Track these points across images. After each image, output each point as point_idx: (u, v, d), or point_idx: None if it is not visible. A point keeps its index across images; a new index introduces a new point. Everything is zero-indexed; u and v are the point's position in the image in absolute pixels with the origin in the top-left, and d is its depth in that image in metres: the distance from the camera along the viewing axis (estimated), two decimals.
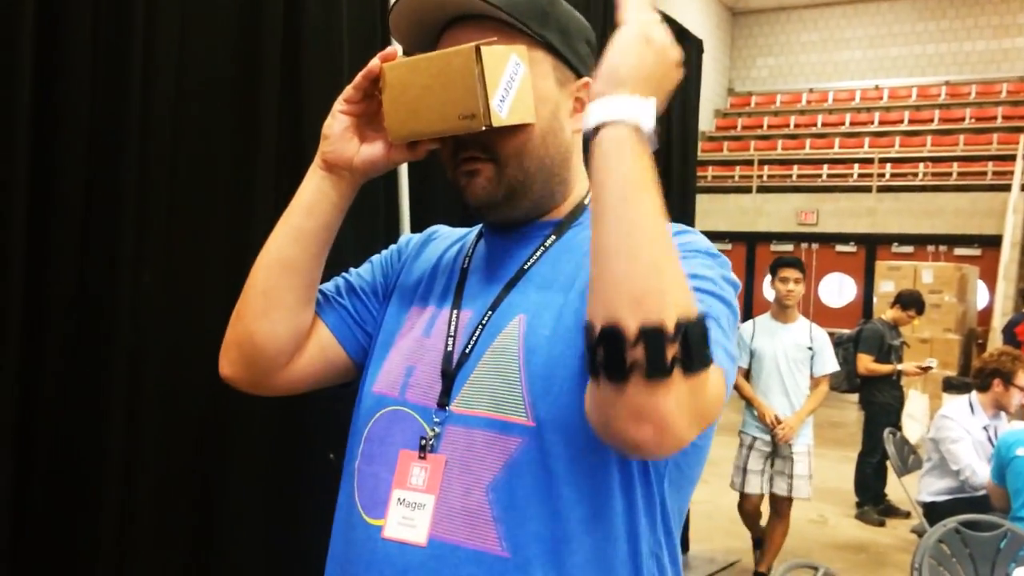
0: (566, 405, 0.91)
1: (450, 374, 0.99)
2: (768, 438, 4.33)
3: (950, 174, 13.07)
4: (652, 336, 0.74)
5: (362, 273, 1.17)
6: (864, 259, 13.00)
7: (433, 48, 1.02)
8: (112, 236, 1.94)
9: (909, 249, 12.63)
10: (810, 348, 4.40)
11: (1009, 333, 7.23)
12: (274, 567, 2.32)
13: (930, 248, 12.57)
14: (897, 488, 5.01)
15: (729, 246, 13.47)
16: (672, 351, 0.74)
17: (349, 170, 1.04)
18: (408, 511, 0.94)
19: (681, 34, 4.62)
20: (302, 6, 2.37)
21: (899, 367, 5.84)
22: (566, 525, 0.91)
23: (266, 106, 2.28)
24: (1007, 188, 11.84)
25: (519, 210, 1.03)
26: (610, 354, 0.76)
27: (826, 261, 13.33)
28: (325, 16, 2.43)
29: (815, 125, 15.23)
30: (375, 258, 1.20)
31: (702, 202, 5.69)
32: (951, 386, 8.36)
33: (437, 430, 0.96)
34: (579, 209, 1.07)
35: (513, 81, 0.95)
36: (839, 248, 13.24)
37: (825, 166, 14.00)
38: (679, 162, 4.58)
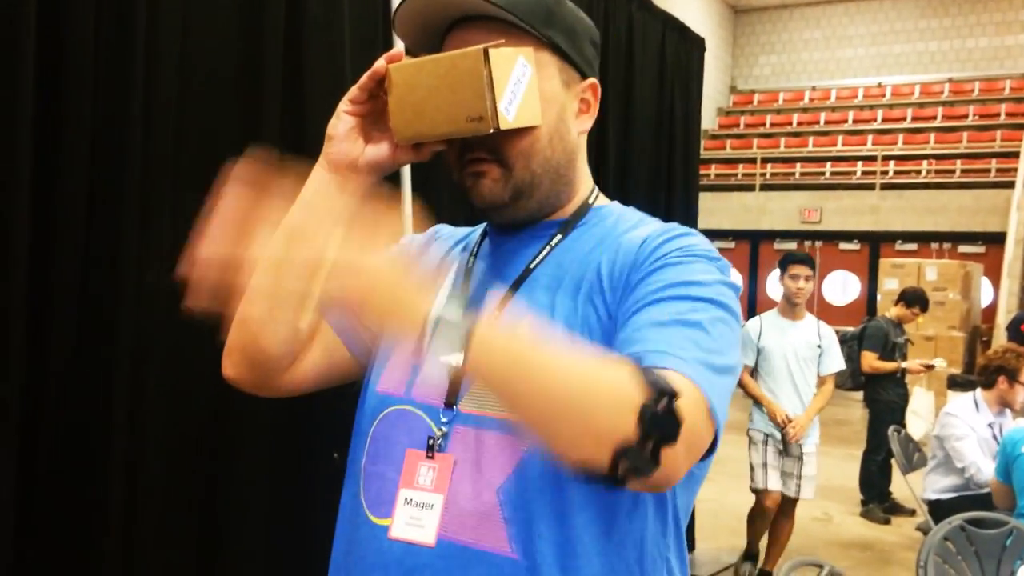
0: None
1: (457, 374, 0.98)
2: (779, 435, 4.27)
3: (954, 171, 13.05)
4: (626, 454, 0.74)
5: None
6: (868, 257, 12.98)
7: (438, 49, 1.01)
8: (115, 236, 1.94)
9: (913, 247, 12.61)
10: (819, 346, 4.35)
11: (1014, 330, 7.21)
12: (278, 567, 2.32)
13: (934, 245, 12.55)
14: (902, 486, 5.01)
15: (732, 244, 13.46)
16: (650, 445, 0.74)
17: (354, 171, 1.03)
18: (416, 511, 0.94)
19: (683, 32, 4.62)
20: (304, 6, 2.37)
21: (903, 365, 5.83)
22: (575, 527, 0.91)
23: (268, 106, 2.28)
24: (1011, 185, 11.81)
25: (525, 211, 1.03)
26: (595, 481, 0.78)
27: (830, 259, 13.32)
28: (327, 16, 2.43)
29: (818, 123, 15.21)
30: None
31: (705, 200, 5.69)
32: (955, 383, 8.34)
33: (444, 429, 0.96)
34: (584, 209, 1.07)
35: (520, 83, 0.95)
36: (843, 246, 13.23)
37: (828, 164, 13.98)
38: (682, 160, 4.58)
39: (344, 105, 1.03)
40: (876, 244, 12.89)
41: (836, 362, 4.42)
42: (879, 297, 10.68)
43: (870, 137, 14.33)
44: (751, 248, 13.64)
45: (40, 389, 1.83)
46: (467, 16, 1.00)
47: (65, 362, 1.88)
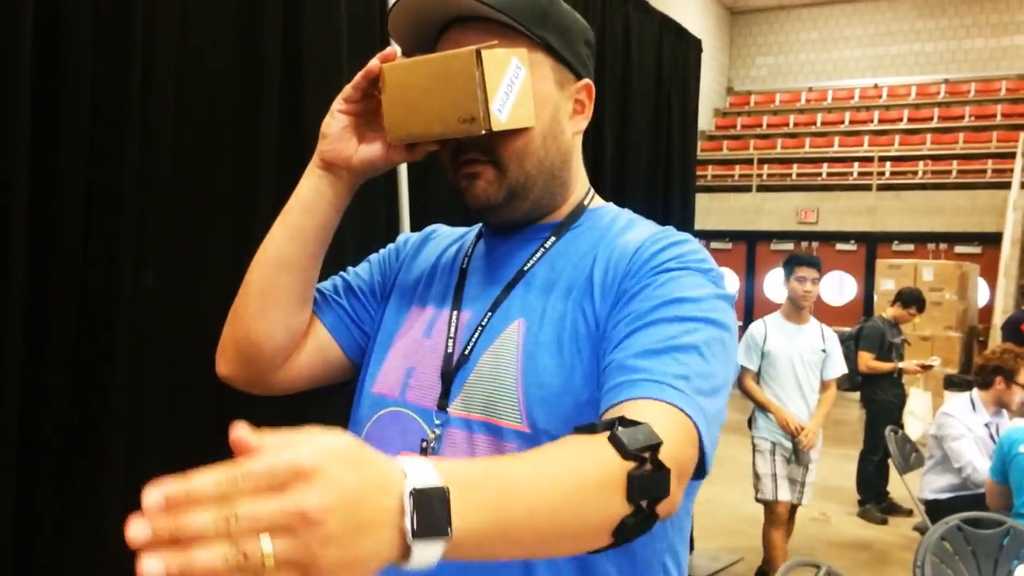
0: (562, 413, 0.91)
1: (449, 376, 0.98)
2: (788, 444, 4.15)
3: (950, 172, 13.07)
4: (624, 528, 0.73)
5: (360, 273, 1.17)
6: (864, 257, 12.99)
7: (431, 49, 1.01)
8: (113, 237, 1.94)
9: (909, 247, 12.62)
10: (823, 350, 4.25)
11: (1009, 330, 7.21)
12: None
13: (930, 246, 12.57)
14: (899, 486, 5.01)
15: (729, 245, 13.47)
16: (645, 509, 0.74)
17: (347, 169, 1.03)
18: None
19: (680, 34, 4.62)
20: (302, 6, 2.37)
21: (900, 365, 5.83)
22: None
23: (266, 106, 2.28)
24: (1007, 186, 11.83)
25: (519, 212, 1.03)
26: (604, 551, 0.77)
27: (826, 260, 13.23)
28: (325, 15, 2.43)
29: (814, 124, 15.23)
30: (373, 257, 1.19)
31: (702, 201, 5.69)
32: (952, 384, 8.36)
33: (438, 432, 0.96)
34: (579, 211, 1.07)
35: (513, 84, 0.95)
36: (839, 246, 13.24)
37: (825, 165, 13.99)
38: (679, 162, 4.58)
39: (338, 104, 1.03)
40: (873, 245, 12.91)
41: (840, 366, 4.34)
42: (876, 297, 10.69)
43: (866, 138, 14.35)
44: (748, 249, 13.64)
45: (39, 389, 1.83)
46: (461, 17, 1.00)
47: (64, 362, 1.87)
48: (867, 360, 5.76)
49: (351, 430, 1.08)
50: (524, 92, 0.96)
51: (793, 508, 4.29)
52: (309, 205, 1.04)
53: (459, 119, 0.93)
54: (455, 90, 0.92)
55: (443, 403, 0.97)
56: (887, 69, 15.32)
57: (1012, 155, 12.29)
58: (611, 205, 1.11)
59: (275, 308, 1.04)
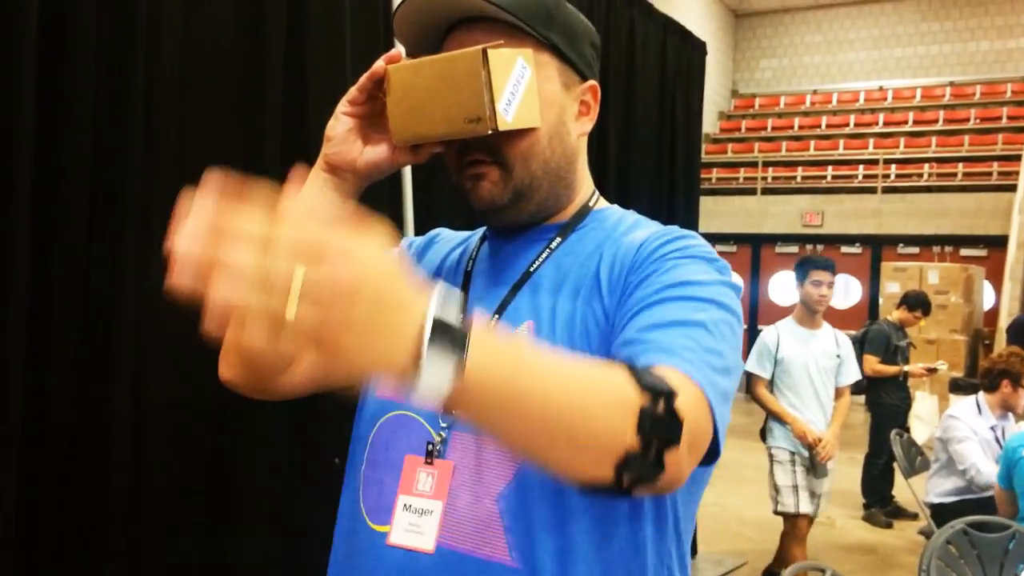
0: None
1: None
2: (806, 453, 4.01)
3: (955, 175, 13.03)
4: (630, 464, 0.72)
5: None
6: (870, 260, 12.95)
7: (437, 51, 1.00)
8: (116, 238, 1.94)
9: (915, 250, 12.59)
10: (838, 355, 4.13)
11: (1014, 332, 7.18)
12: (279, 573, 2.31)
13: (936, 249, 12.53)
14: (904, 490, 5.00)
15: (734, 248, 13.45)
16: (652, 451, 0.72)
17: (352, 172, 1.02)
18: (415, 517, 0.93)
19: (684, 36, 4.62)
20: (305, 7, 2.37)
21: (905, 368, 5.81)
22: (575, 534, 0.90)
23: (270, 109, 2.29)
24: (1012, 188, 11.80)
25: (524, 213, 1.02)
26: (602, 494, 0.75)
27: None
28: (328, 17, 2.43)
29: (819, 126, 15.20)
30: None
31: (706, 204, 5.68)
32: (958, 387, 8.34)
33: (444, 435, 0.95)
34: (584, 212, 1.06)
35: (519, 85, 0.94)
36: (844, 249, 13.20)
37: (830, 167, 13.96)
38: (683, 164, 4.58)
39: (343, 106, 1.02)
40: (878, 248, 12.87)
41: (854, 372, 4.22)
42: (881, 300, 10.67)
43: (871, 141, 14.32)
44: (752, 252, 13.62)
45: (41, 389, 1.83)
46: (467, 17, 1.00)
47: (66, 362, 1.87)
48: (872, 364, 5.74)
49: (356, 434, 1.07)
50: (530, 92, 0.96)
51: (811, 522, 4.17)
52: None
53: (465, 119, 0.92)
54: (460, 90, 0.92)
55: None
56: (892, 71, 15.29)
57: (1018, 158, 12.25)
58: (616, 207, 1.11)
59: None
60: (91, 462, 1.91)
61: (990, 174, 12.81)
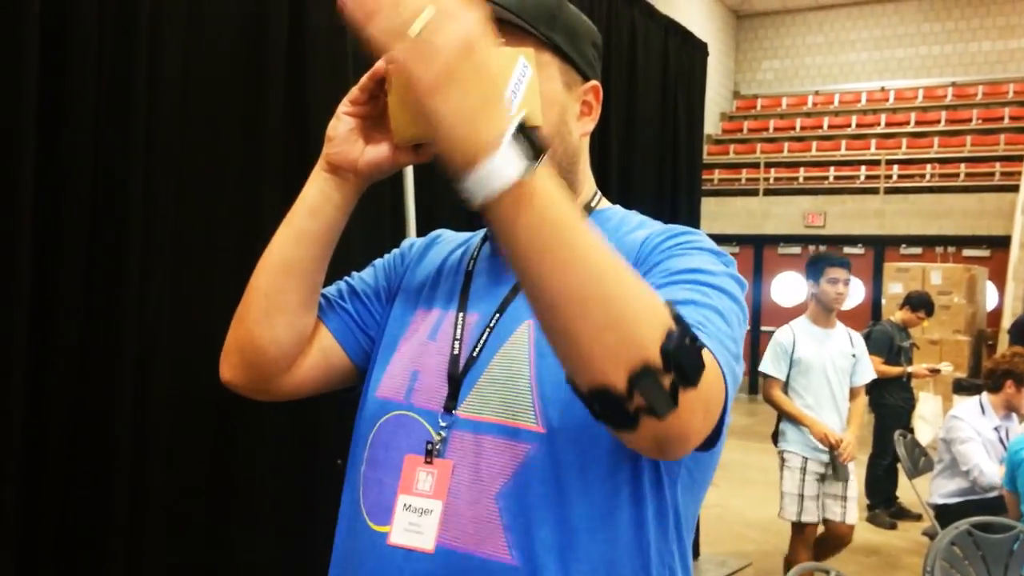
0: (576, 413, 0.90)
1: (457, 378, 0.97)
2: (824, 457, 3.90)
3: (958, 175, 13.02)
4: (645, 379, 0.69)
5: (365, 277, 1.16)
6: (872, 261, 12.93)
7: None
8: (118, 243, 1.94)
9: (917, 251, 12.57)
10: (853, 355, 4.03)
11: (1017, 333, 7.17)
12: (280, 574, 2.31)
13: (938, 249, 12.51)
14: (908, 491, 4.98)
15: (736, 249, 13.43)
16: (669, 380, 0.70)
17: (354, 172, 1.02)
18: (415, 517, 0.93)
19: (686, 37, 4.62)
20: (306, 8, 2.37)
21: (909, 369, 5.81)
22: (575, 533, 0.90)
23: (272, 110, 2.29)
24: (1015, 188, 11.78)
25: None
26: (609, 410, 0.72)
27: None
28: (330, 18, 2.44)
29: (821, 127, 15.19)
30: (378, 262, 1.19)
31: (708, 205, 5.67)
32: (962, 388, 8.31)
33: (443, 434, 0.95)
34: (586, 212, 1.06)
35: (520, 84, 0.94)
36: (847, 250, 13.15)
37: (832, 168, 13.95)
38: (685, 165, 4.58)
39: (344, 106, 1.02)
40: (880, 248, 12.86)
41: (869, 371, 4.12)
42: (884, 301, 10.64)
43: (874, 141, 14.31)
44: (755, 253, 13.61)
45: (44, 393, 1.83)
46: None
47: (69, 370, 1.87)
48: (876, 364, 5.72)
49: (356, 435, 1.07)
50: (531, 92, 0.95)
51: (849, 531, 4.03)
52: (314, 208, 1.03)
53: None
54: None
55: (450, 405, 0.97)
56: (894, 72, 15.28)
57: (1020, 158, 12.24)
58: (618, 207, 1.11)
59: (280, 312, 1.03)
60: (92, 462, 1.91)
61: (993, 174, 12.79)
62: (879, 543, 5.40)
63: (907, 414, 5.89)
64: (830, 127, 15.14)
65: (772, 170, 14.22)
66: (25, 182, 1.74)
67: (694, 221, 4.71)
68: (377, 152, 1.02)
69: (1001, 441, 4.16)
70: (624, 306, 0.69)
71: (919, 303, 6.05)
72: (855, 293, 13.12)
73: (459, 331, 1.01)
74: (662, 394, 0.70)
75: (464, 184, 0.68)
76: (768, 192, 13.77)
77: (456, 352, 0.99)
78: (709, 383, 0.75)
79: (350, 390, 1.13)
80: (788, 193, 13.65)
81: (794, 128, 15.40)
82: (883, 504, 5.87)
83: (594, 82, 1.05)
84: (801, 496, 3.93)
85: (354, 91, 1.01)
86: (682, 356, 0.70)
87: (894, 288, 10.19)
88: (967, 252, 12.25)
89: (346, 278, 1.16)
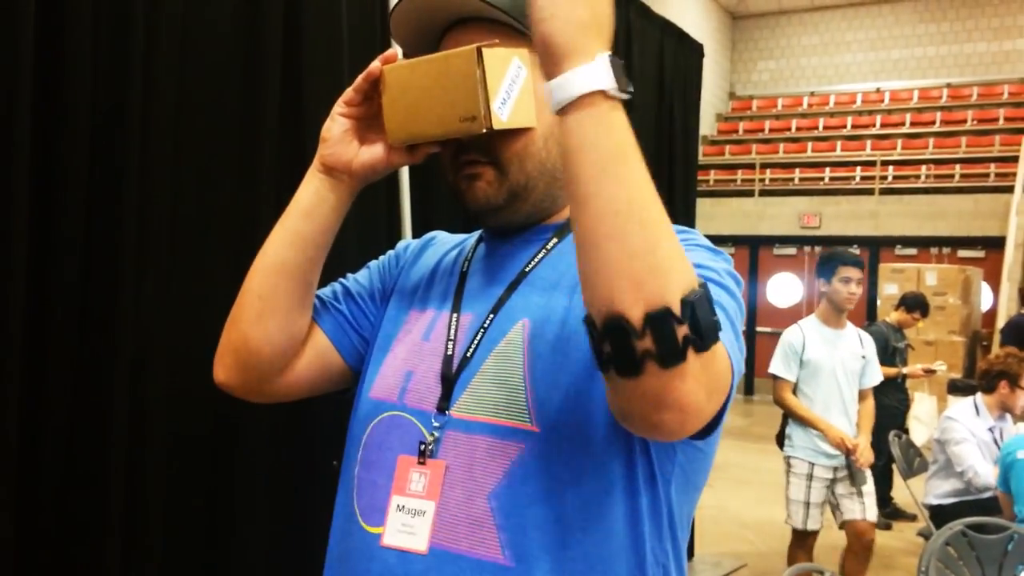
0: (570, 411, 0.90)
1: (450, 378, 0.97)
2: (831, 464, 3.83)
3: (952, 176, 13.05)
4: (660, 321, 0.69)
5: (359, 279, 1.16)
6: (868, 261, 12.95)
7: (434, 51, 1.00)
8: (114, 244, 1.94)
9: (912, 251, 12.59)
10: (863, 356, 3.94)
11: (1010, 333, 7.18)
12: (276, 575, 2.31)
13: (933, 250, 12.54)
14: (903, 491, 4.99)
15: (732, 250, 13.43)
16: (682, 332, 0.70)
17: (348, 173, 1.02)
18: (408, 518, 0.93)
19: (682, 38, 4.62)
20: (302, 7, 2.37)
21: (904, 370, 5.81)
22: (568, 532, 0.90)
23: (267, 110, 2.28)
24: (1010, 190, 11.81)
25: (520, 214, 1.02)
26: (618, 348, 0.71)
27: None
28: (325, 17, 2.44)
29: (817, 128, 15.21)
30: (373, 263, 1.19)
31: (704, 206, 5.67)
32: (956, 388, 8.32)
33: (436, 435, 0.95)
34: None
35: (515, 84, 0.94)
36: None
37: (827, 169, 13.97)
38: (681, 166, 4.58)
39: (338, 107, 1.02)
40: (876, 249, 12.88)
41: (878, 373, 4.03)
42: (879, 302, 10.66)
43: (869, 142, 14.33)
44: (750, 254, 13.62)
45: (39, 395, 1.83)
46: (463, 18, 0.99)
47: (64, 371, 1.87)
48: None
49: (350, 436, 1.07)
50: (525, 92, 0.95)
51: (871, 529, 3.92)
52: (309, 210, 1.03)
53: (460, 118, 0.92)
54: (456, 89, 0.92)
55: (443, 405, 0.96)
56: (889, 73, 15.31)
57: (1015, 159, 12.27)
58: None
59: (274, 314, 1.03)
60: (89, 463, 1.91)
61: (987, 175, 12.83)
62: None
63: (902, 415, 5.90)
64: (825, 128, 15.17)
65: (768, 171, 14.24)
66: (20, 182, 1.74)
67: (690, 221, 4.72)
68: (372, 153, 1.02)
69: (995, 442, 4.16)
70: (660, 243, 0.71)
71: (914, 304, 6.06)
72: None
73: (453, 331, 1.01)
74: (673, 342, 0.70)
75: (554, 82, 0.74)
76: (764, 193, 13.79)
77: (450, 352, 0.99)
78: (717, 358, 0.75)
79: (345, 391, 1.13)
80: (784, 194, 13.67)
81: (790, 129, 15.42)
82: (878, 504, 5.87)
83: None
84: (807, 504, 3.87)
85: (348, 92, 1.01)
86: (700, 313, 0.71)
87: (889, 289, 10.21)
88: (962, 253, 12.28)
89: (340, 279, 1.16)
